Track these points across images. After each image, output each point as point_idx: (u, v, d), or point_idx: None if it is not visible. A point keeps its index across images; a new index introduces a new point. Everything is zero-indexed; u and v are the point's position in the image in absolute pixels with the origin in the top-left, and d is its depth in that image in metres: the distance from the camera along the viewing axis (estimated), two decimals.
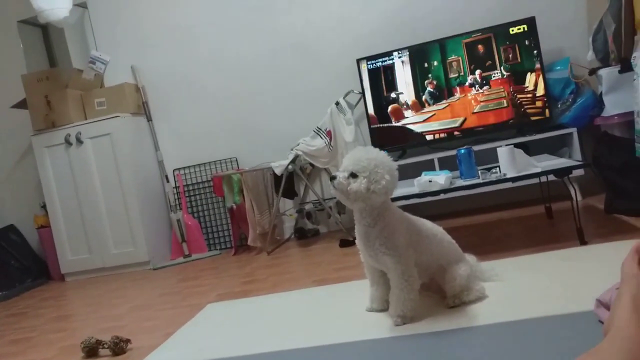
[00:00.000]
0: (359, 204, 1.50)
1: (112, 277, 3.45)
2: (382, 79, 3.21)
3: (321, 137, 3.25)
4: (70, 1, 3.34)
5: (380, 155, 1.51)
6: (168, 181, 3.75)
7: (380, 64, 3.20)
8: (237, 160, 3.71)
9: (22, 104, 3.68)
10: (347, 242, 2.88)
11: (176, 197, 3.75)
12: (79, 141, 3.51)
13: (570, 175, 2.07)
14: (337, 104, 3.29)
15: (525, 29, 2.98)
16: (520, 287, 1.63)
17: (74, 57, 3.91)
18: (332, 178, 1.50)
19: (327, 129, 3.26)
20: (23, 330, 2.46)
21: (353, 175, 1.48)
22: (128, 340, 1.84)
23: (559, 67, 3.03)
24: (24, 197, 3.98)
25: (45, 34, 4.04)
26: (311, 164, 3.34)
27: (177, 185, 3.76)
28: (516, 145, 2.15)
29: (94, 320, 2.39)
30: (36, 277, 3.73)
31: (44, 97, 3.55)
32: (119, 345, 1.81)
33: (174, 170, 3.79)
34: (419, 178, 2.16)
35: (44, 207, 3.72)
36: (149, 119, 3.79)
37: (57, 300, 3.07)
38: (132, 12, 3.82)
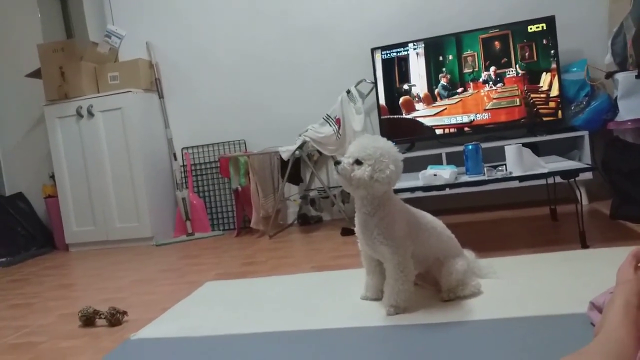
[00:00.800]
0: (360, 191, 1.50)
1: (115, 250, 3.49)
2: (395, 69, 3.19)
3: (330, 125, 3.24)
4: None
5: (387, 145, 1.50)
6: (176, 159, 3.77)
7: (394, 54, 3.18)
8: (245, 143, 3.72)
9: (36, 74, 3.70)
10: (349, 231, 2.89)
11: (183, 175, 3.77)
12: (90, 114, 3.53)
13: (577, 178, 2.05)
14: (348, 92, 3.27)
15: (544, 27, 2.94)
16: (516, 286, 1.63)
17: (91, 29, 3.92)
18: (337, 163, 1.50)
19: (337, 117, 3.25)
20: (24, 295, 2.50)
21: (358, 162, 1.48)
22: (124, 312, 1.87)
23: (575, 69, 2.98)
24: (33, 166, 4.03)
25: (63, 5, 4.06)
26: (318, 151, 3.34)
27: (185, 163, 3.78)
28: (525, 145, 2.13)
29: (94, 291, 2.42)
30: (41, 246, 3.79)
31: (59, 68, 3.57)
32: (116, 317, 1.83)
33: (182, 149, 3.81)
34: (424, 171, 2.15)
35: (52, 177, 3.76)
36: (161, 96, 3.80)
37: (60, 269, 3.11)
38: None
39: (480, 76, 3.05)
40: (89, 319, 1.87)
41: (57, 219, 3.69)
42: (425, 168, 2.18)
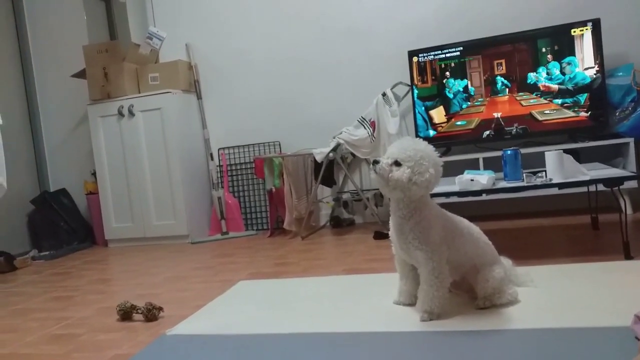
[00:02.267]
0: (397, 193, 1.49)
1: (151, 247, 3.58)
2: (433, 72, 3.15)
3: (364, 127, 3.23)
4: None
5: (428, 148, 1.49)
6: (212, 159, 3.84)
7: (432, 57, 3.14)
8: (280, 144, 3.75)
9: (81, 74, 3.83)
10: (381, 235, 2.87)
11: (219, 175, 3.83)
12: (131, 113, 3.63)
13: (621, 187, 1.98)
14: (384, 94, 3.26)
15: (589, 30, 2.85)
16: (555, 295, 1.58)
17: (133, 31, 4.04)
18: (375, 162, 1.49)
19: (372, 120, 3.24)
20: (66, 288, 2.60)
21: (397, 163, 1.47)
22: (160, 308, 1.91)
23: (621, 73, 2.88)
24: (76, 163, 4.17)
25: (107, 7, 4.19)
26: (352, 154, 3.33)
27: (221, 164, 3.83)
28: (566, 151, 2.07)
29: (131, 286, 2.49)
30: (82, 241, 3.92)
31: (102, 69, 3.69)
32: (152, 312, 1.88)
33: (218, 149, 3.87)
34: (460, 176, 2.12)
35: (94, 174, 3.88)
36: (199, 97, 3.88)
37: (99, 264, 3.21)
38: None
39: (520, 80, 2.99)
40: (126, 313, 1.92)
41: (97, 215, 3.81)
42: (462, 173, 2.15)
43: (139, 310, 1.91)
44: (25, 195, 3.99)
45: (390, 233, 1.62)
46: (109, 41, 4.01)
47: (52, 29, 4.20)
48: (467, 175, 2.11)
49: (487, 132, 3.06)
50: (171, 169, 3.57)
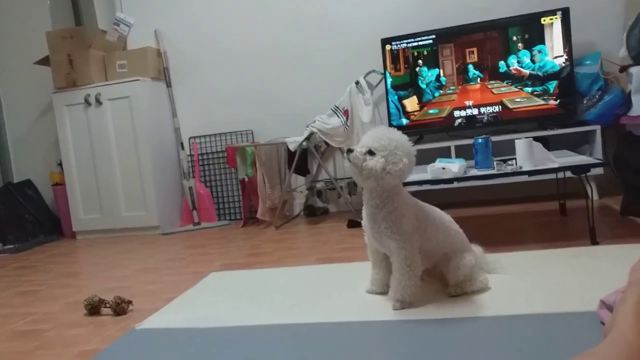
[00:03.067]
0: (370, 182, 1.48)
1: (121, 238, 3.50)
2: (405, 60, 3.15)
3: (338, 116, 3.22)
4: None
5: (402, 138, 1.48)
6: (183, 148, 3.77)
7: (405, 45, 3.14)
8: (252, 133, 3.70)
9: (45, 61, 3.70)
10: (355, 223, 2.87)
11: (190, 165, 3.76)
12: (98, 102, 3.53)
13: (588, 174, 2.02)
14: (357, 83, 3.24)
15: (558, 19, 2.88)
16: (525, 282, 1.61)
17: (100, 17, 3.90)
18: (349, 151, 1.47)
19: (345, 108, 3.22)
20: (31, 283, 2.52)
21: (371, 152, 1.46)
22: (130, 302, 1.87)
23: (588, 62, 2.93)
24: (41, 154, 4.04)
25: None
26: (326, 143, 3.31)
27: (192, 153, 3.77)
28: (536, 139, 2.10)
29: (100, 279, 2.43)
30: (48, 233, 3.81)
31: (67, 56, 3.56)
32: (121, 306, 1.83)
33: (189, 138, 3.80)
34: (432, 164, 2.12)
35: (60, 164, 3.77)
36: (169, 85, 3.79)
37: (67, 257, 3.13)
38: None
39: (490, 68, 3.01)
40: (94, 308, 1.87)
41: (64, 206, 3.71)
42: (434, 161, 2.16)
43: (107, 304, 1.86)
44: None
45: (363, 222, 1.61)
46: (74, 27, 3.87)
47: (14, 15, 4.03)
48: (439, 164, 2.12)
49: (459, 121, 3.08)
50: (141, 159, 3.49)
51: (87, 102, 3.55)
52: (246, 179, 3.38)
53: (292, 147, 3.18)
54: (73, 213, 3.65)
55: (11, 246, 3.51)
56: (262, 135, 3.66)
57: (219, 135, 3.77)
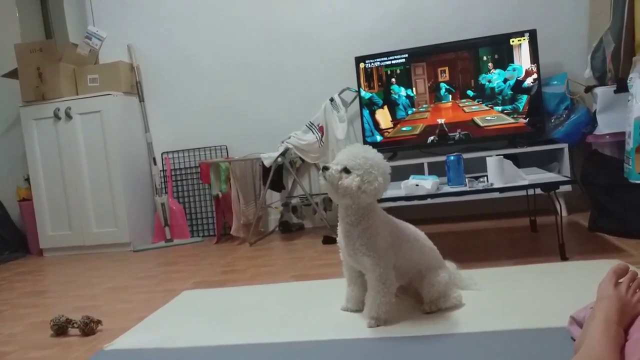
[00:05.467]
0: (346, 200, 1.48)
1: (91, 256, 3.41)
2: (379, 79, 3.19)
3: (313, 132, 3.23)
4: None
5: (377, 157, 1.49)
6: (155, 164, 3.71)
7: (378, 63, 3.18)
8: (227, 149, 3.68)
9: (13, 74, 3.61)
10: (330, 239, 2.87)
11: (162, 180, 3.71)
12: (68, 116, 3.46)
13: (557, 190, 2.07)
14: (332, 100, 3.26)
15: (526, 40, 2.97)
16: (498, 298, 1.63)
17: (71, 30, 3.85)
18: (325, 169, 1.47)
19: (320, 125, 3.24)
20: None
21: (346, 170, 1.46)
22: (99, 322, 1.81)
23: (555, 82, 3.03)
24: (7, 168, 3.92)
25: (43, 5, 3.98)
26: (301, 159, 3.32)
27: (165, 168, 3.72)
28: (506, 156, 2.14)
29: (68, 298, 2.36)
30: (14, 250, 3.68)
31: (36, 69, 3.49)
32: (89, 326, 1.78)
33: (162, 154, 3.75)
34: (406, 181, 2.14)
35: (27, 179, 3.66)
36: (141, 100, 3.75)
37: (33, 275, 3.03)
38: None
39: (461, 87, 3.07)
40: (61, 328, 1.81)
41: (31, 222, 3.59)
42: (408, 178, 2.18)
43: (74, 324, 1.80)
44: None
45: (338, 239, 1.61)
46: (44, 40, 3.81)
47: None
48: (413, 180, 2.14)
49: (432, 138, 3.13)
50: (112, 174, 3.43)
51: (56, 116, 3.47)
52: (220, 195, 3.34)
53: (267, 163, 3.17)
54: (40, 229, 3.54)
55: None
56: (236, 151, 3.64)
57: (193, 150, 3.73)
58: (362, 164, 1.46)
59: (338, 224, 1.58)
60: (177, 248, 3.39)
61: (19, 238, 3.77)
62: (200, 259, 2.92)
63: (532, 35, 2.96)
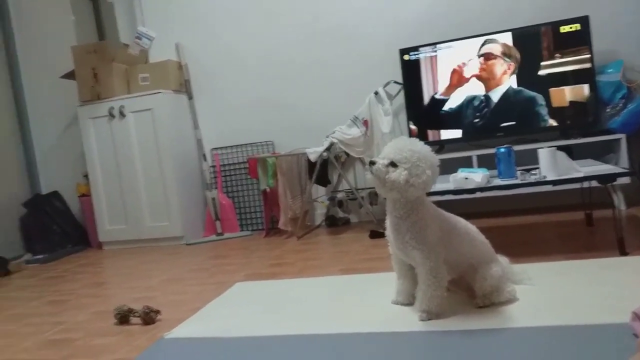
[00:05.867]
0: (394, 194, 1.49)
1: (146, 249, 3.55)
2: (424, 70, 3.15)
3: (357, 126, 3.23)
4: None
5: (424, 149, 1.49)
6: (205, 160, 3.82)
7: (423, 55, 3.15)
8: (273, 144, 3.74)
9: (70, 75, 3.79)
10: (377, 234, 2.87)
11: (212, 175, 3.81)
12: (122, 114, 3.60)
13: (614, 183, 2.00)
14: (376, 93, 3.25)
15: (578, 28, 2.86)
16: (553, 293, 1.60)
17: (122, 31, 4.00)
18: (372, 163, 1.49)
19: (364, 119, 3.24)
20: (61, 292, 2.57)
21: (393, 164, 1.47)
22: (158, 311, 1.90)
23: (610, 70, 2.90)
24: (68, 165, 4.13)
25: (95, 7, 4.15)
26: (346, 153, 3.33)
27: (214, 164, 3.82)
28: (559, 148, 2.08)
29: (127, 289, 2.47)
30: (76, 243, 3.88)
31: (91, 70, 3.65)
32: (149, 315, 1.87)
33: (211, 150, 3.86)
34: (454, 174, 2.12)
35: (86, 176, 3.84)
36: (190, 97, 3.85)
37: (94, 267, 3.19)
38: None
39: (510, 78, 3.00)
40: (123, 317, 1.91)
41: (90, 217, 3.78)
42: (454, 171, 2.16)
43: (136, 314, 1.90)
44: (17, 199, 3.94)
45: (387, 232, 1.62)
46: (98, 42, 3.97)
47: (40, 30, 4.15)
48: (461, 174, 2.12)
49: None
50: (164, 170, 3.55)
51: (111, 115, 3.63)
52: (267, 190, 3.41)
53: (312, 158, 3.21)
54: (99, 224, 3.72)
55: (40, 257, 3.59)
56: (282, 146, 3.69)
57: (240, 146, 3.81)
58: (409, 157, 1.46)
59: (386, 217, 1.59)
60: (227, 241, 3.48)
61: (79, 232, 3.97)
62: (250, 252, 2.99)
63: (584, 22, 2.85)
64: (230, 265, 2.71)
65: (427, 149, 1.50)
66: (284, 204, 3.27)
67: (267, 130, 3.75)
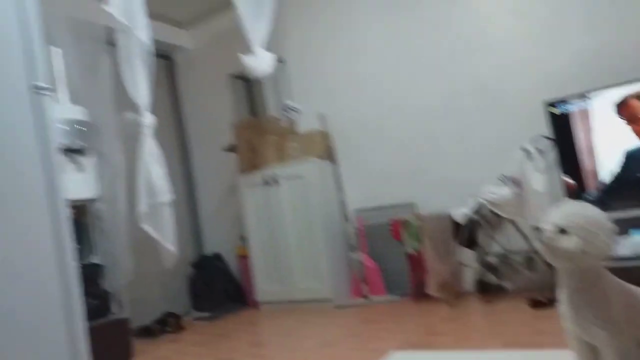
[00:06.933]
0: (566, 263, 1.40)
1: (298, 310, 3.70)
2: (575, 124, 2.97)
3: (507, 186, 3.11)
4: (274, 58, 3.80)
5: (598, 214, 1.40)
6: (347, 220, 3.94)
7: (572, 107, 2.97)
8: (415, 205, 3.74)
9: (232, 148, 4.25)
10: (539, 304, 2.67)
11: (356, 237, 3.91)
12: (276, 182, 3.91)
13: None
14: (525, 150, 3.12)
15: None
16: None
17: (270, 105, 4.42)
18: (539, 229, 1.42)
19: (514, 177, 3.11)
20: (227, 350, 2.79)
21: (562, 231, 1.40)
22: None
23: None
24: (227, 229, 4.55)
25: (248, 87, 4.66)
26: (495, 214, 3.20)
27: (357, 226, 3.92)
28: None
29: (286, 350, 2.59)
30: (235, 302, 4.19)
31: (248, 142, 4.06)
32: None
33: (354, 211, 3.98)
34: (628, 237, 1.94)
35: (242, 238, 4.19)
36: (334, 163, 4.06)
37: (254, 326, 3.41)
38: (321, 65, 4.17)
39: None
40: None
41: (247, 277, 4.08)
42: (626, 232, 1.97)
43: None
44: (186, 259, 4.42)
45: (561, 307, 1.51)
46: (253, 117, 4.42)
47: (204, 108, 4.75)
48: (637, 237, 1.93)
49: None
50: (313, 233, 3.74)
51: (266, 183, 3.96)
52: (413, 253, 3.39)
53: (458, 219, 3.14)
54: (257, 284, 3.99)
55: (206, 314, 3.94)
56: (424, 207, 3.67)
57: (383, 208, 3.88)
58: (582, 225, 1.37)
59: (559, 289, 1.49)
60: (375, 305, 3.49)
61: (238, 291, 4.28)
62: (399, 318, 2.97)
63: None
64: (382, 330, 2.72)
65: (601, 214, 1.41)
66: (431, 268, 3.22)
67: (409, 192, 3.77)
